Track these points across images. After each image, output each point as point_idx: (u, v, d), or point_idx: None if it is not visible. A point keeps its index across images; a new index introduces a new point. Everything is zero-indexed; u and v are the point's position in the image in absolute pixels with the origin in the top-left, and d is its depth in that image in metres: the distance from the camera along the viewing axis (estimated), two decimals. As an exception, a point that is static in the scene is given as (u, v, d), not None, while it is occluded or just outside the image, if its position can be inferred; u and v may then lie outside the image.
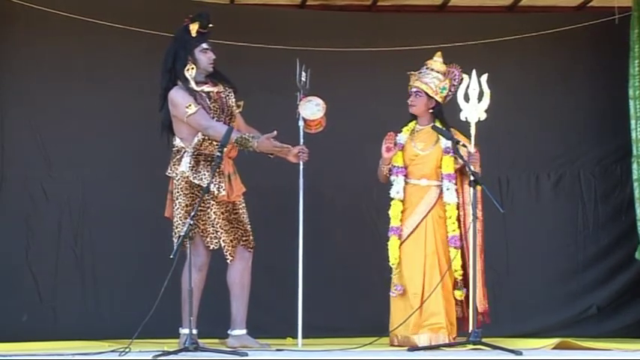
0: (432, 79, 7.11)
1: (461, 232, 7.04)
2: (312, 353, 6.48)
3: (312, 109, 7.10)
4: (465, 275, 6.98)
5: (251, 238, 7.01)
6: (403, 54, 7.46)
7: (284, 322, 7.49)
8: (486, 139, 8.40)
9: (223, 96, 7.01)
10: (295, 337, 7.08)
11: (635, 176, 8.02)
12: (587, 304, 8.47)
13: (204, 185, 6.68)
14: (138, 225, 8.10)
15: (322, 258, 7.66)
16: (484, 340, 6.33)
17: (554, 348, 6.79)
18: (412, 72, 7.17)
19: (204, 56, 6.94)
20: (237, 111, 7.10)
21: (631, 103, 8.07)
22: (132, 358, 5.95)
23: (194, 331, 6.25)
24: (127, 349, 6.05)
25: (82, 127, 8.16)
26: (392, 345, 7.01)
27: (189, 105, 6.80)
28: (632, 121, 8.05)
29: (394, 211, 7.08)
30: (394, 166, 7.12)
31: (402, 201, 7.08)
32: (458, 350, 6.46)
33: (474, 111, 6.98)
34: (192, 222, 6.34)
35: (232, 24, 8.00)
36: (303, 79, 7.12)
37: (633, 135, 8.04)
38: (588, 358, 6.39)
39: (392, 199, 7.10)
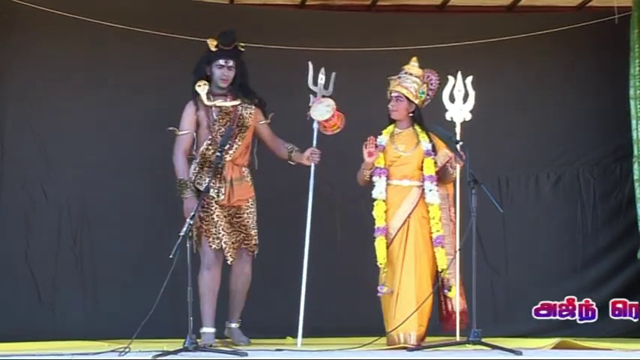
0: (411, 83, 7.19)
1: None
2: (312, 353, 6.49)
3: (321, 110, 7.24)
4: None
5: (253, 242, 7.21)
6: (403, 54, 7.45)
7: (284, 322, 7.50)
8: (486, 139, 8.43)
9: (240, 109, 7.21)
10: (295, 337, 7.09)
11: (635, 176, 8.01)
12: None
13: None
14: (137, 225, 8.11)
15: (322, 258, 7.64)
16: (484, 340, 6.33)
17: (554, 348, 6.79)
18: (392, 77, 7.24)
19: (218, 71, 7.21)
20: (262, 122, 7.32)
21: (631, 103, 8.06)
22: (132, 358, 5.95)
23: (210, 330, 6.72)
24: (127, 349, 6.05)
25: (81, 127, 8.16)
26: (392, 344, 6.99)
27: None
28: (633, 121, 8.03)
29: (378, 211, 7.13)
30: (376, 168, 7.16)
31: (385, 201, 7.12)
32: (458, 350, 6.46)
33: (459, 111, 7.09)
34: (191, 222, 6.44)
35: (232, 24, 7.98)
36: (321, 81, 7.29)
37: (634, 135, 8.03)
38: (588, 358, 6.40)
39: (375, 199, 7.15)
